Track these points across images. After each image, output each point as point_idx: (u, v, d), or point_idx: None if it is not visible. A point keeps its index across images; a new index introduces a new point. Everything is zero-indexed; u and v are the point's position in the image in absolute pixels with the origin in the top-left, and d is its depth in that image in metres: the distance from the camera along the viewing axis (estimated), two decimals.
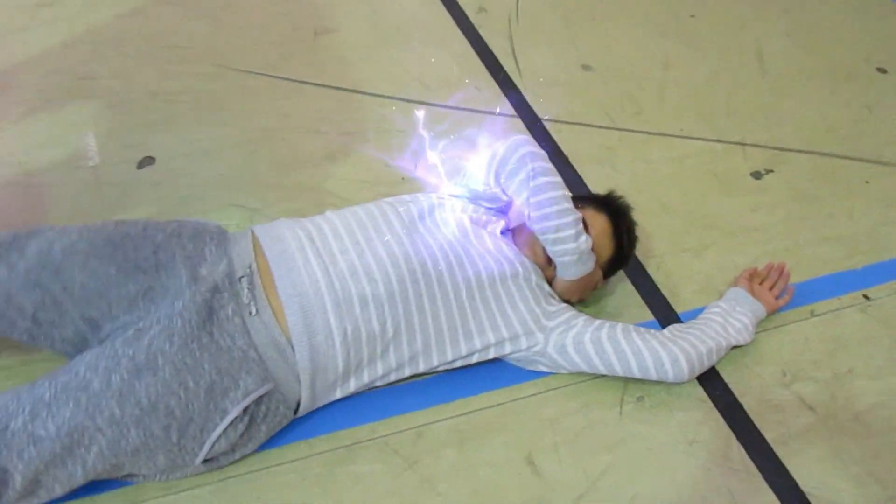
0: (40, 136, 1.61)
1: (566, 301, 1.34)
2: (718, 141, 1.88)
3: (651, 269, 1.53)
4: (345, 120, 1.77)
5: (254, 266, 1.10)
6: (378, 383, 1.18)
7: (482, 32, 2.12)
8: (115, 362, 0.96)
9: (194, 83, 1.80)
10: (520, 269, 1.26)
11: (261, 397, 1.03)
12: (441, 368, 1.23)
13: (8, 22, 1.89)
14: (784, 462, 1.24)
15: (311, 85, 1.85)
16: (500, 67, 2.00)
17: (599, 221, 1.33)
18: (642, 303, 1.46)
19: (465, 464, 1.17)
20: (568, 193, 1.26)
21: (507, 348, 1.24)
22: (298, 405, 1.12)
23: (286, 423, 1.13)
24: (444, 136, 1.70)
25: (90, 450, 0.93)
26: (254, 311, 1.05)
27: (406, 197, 1.31)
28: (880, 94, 2.10)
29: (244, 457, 1.12)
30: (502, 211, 1.38)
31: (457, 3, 2.23)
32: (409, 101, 1.84)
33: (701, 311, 1.41)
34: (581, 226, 1.25)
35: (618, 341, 1.25)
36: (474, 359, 1.23)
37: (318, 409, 1.19)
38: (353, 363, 1.11)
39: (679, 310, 1.46)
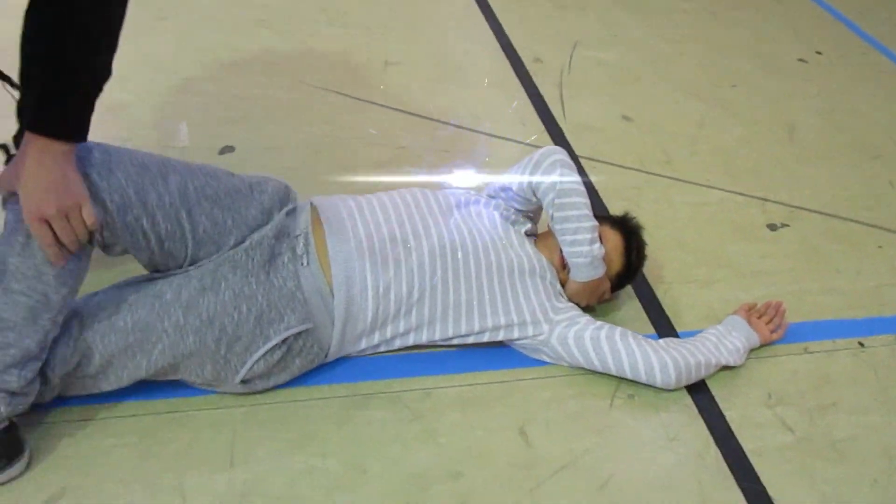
0: (145, 120, 1.88)
1: (574, 304, 1.49)
2: (740, 194, 2.03)
3: (659, 293, 1.67)
4: (400, 136, 1.99)
5: (309, 228, 1.30)
6: (398, 342, 1.35)
7: (535, 79, 2.35)
8: (187, 281, 1.16)
9: (274, 92, 2.07)
10: (537, 266, 1.43)
11: (299, 333, 1.22)
12: (455, 342, 1.39)
13: (133, 28, 2.20)
14: (756, 469, 1.34)
15: (376, 105, 2.10)
16: (547, 109, 2.21)
17: (613, 237, 1.50)
18: (646, 318, 1.60)
19: (464, 424, 1.32)
20: (589, 203, 1.43)
21: (516, 333, 1.40)
22: (329, 351, 1.29)
23: (317, 363, 1.30)
24: (483, 157, 1.90)
25: (155, 346, 1.12)
26: (305, 263, 1.25)
27: (448, 190, 1.50)
28: None
29: (276, 388, 1.30)
30: (530, 217, 1.56)
31: (516, 53, 2.47)
32: (459, 126, 2.06)
33: (699, 332, 1.54)
34: (597, 234, 1.42)
35: (614, 341, 1.39)
36: (485, 337, 1.39)
37: (343, 361, 1.36)
38: (381, 318, 1.29)
39: (679, 329, 1.59)
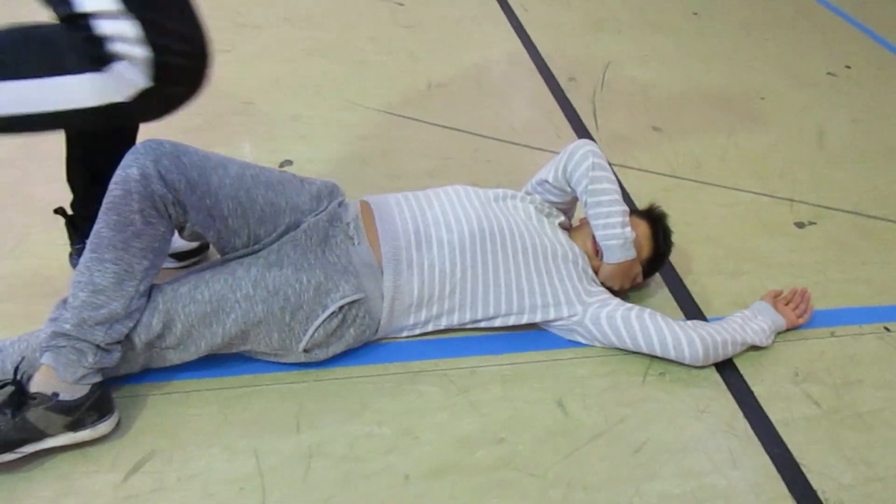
0: (213, 141, 2.09)
1: (607, 288, 1.61)
2: (769, 195, 2.13)
3: (688, 283, 1.78)
4: (445, 149, 2.16)
5: (359, 215, 1.46)
6: (443, 321, 1.49)
7: (569, 96, 2.50)
8: (255, 259, 1.33)
9: (328, 112, 2.26)
10: (570, 252, 1.56)
11: (353, 302, 1.37)
12: (497, 323, 1.52)
13: None
14: (783, 437, 1.43)
15: (421, 122, 2.27)
16: (580, 122, 2.35)
17: (641, 224, 1.62)
18: (676, 305, 1.71)
19: (505, 397, 1.44)
20: (619, 191, 1.55)
21: (552, 314, 1.52)
22: (380, 325, 1.44)
23: (369, 334, 1.45)
24: (522, 165, 2.04)
25: (229, 316, 1.28)
26: (356, 243, 1.41)
27: (487, 188, 1.65)
28: None
29: (335, 366, 1.44)
30: (564, 211, 1.69)
31: (551, 74, 2.63)
32: (498, 139, 2.21)
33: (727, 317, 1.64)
34: (628, 217, 1.54)
35: (643, 319, 1.50)
36: (524, 319, 1.51)
37: (394, 343, 1.50)
38: (426, 294, 1.44)
39: (708, 315, 1.69)
